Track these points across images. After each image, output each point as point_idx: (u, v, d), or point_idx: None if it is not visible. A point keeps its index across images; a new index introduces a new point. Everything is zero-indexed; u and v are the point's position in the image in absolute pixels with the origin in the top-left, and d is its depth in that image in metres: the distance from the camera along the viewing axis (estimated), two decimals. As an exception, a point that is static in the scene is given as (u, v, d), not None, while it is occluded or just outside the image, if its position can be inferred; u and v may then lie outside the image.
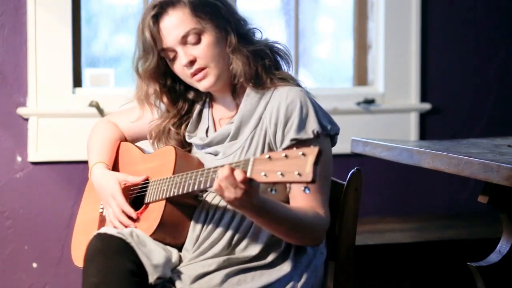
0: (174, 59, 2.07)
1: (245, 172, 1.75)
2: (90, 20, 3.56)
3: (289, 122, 1.99)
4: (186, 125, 2.18)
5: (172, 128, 2.17)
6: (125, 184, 2.14)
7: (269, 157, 1.71)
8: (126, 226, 2.08)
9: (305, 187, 1.67)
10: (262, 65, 2.05)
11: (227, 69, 2.06)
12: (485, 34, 3.82)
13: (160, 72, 2.10)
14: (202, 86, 2.06)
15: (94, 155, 2.25)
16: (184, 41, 2.04)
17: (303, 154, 1.65)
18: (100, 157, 2.24)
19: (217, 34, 2.04)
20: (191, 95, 2.17)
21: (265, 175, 1.70)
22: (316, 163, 1.64)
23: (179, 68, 2.06)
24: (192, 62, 2.04)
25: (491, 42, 3.83)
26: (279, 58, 2.11)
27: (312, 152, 1.65)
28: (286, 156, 1.68)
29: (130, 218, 2.09)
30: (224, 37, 2.05)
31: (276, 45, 2.11)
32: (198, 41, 2.03)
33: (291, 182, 1.67)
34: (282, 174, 1.67)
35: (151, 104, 2.17)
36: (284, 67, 2.11)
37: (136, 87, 2.17)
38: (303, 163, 1.65)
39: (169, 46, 2.05)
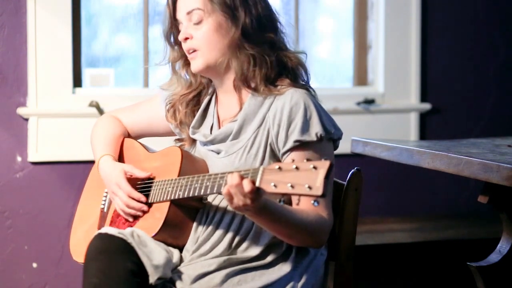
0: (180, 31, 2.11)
1: (254, 182, 1.75)
2: (90, 20, 3.56)
3: (293, 123, 1.98)
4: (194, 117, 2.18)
5: (180, 108, 2.17)
6: (130, 175, 2.14)
7: (279, 168, 1.71)
8: (137, 210, 2.08)
9: (314, 200, 1.67)
10: (262, 71, 2.04)
11: (220, 60, 2.05)
12: (485, 34, 3.82)
13: (175, 38, 2.13)
14: (192, 67, 2.09)
15: (100, 149, 2.24)
16: (188, 17, 2.06)
17: (314, 168, 1.65)
18: (106, 150, 2.24)
19: (222, 23, 2.04)
20: (204, 79, 2.17)
21: (274, 185, 1.70)
22: (327, 177, 1.63)
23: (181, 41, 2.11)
24: (187, 40, 2.07)
25: (491, 42, 3.83)
26: (294, 69, 2.08)
27: (323, 165, 1.65)
28: (296, 168, 1.67)
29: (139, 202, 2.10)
30: (228, 29, 2.04)
31: (292, 54, 2.09)
32: (199, 23, 2.05)
33: (300, 195, 1.67)
34: (292, 186, 1.67)
35: (177, 72, 2.18)
36: (302, 78, 2.09)
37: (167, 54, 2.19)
38: (314, 176, 1.64)
39: (178, 18, 2.09)
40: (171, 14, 2.11)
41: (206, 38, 2.04)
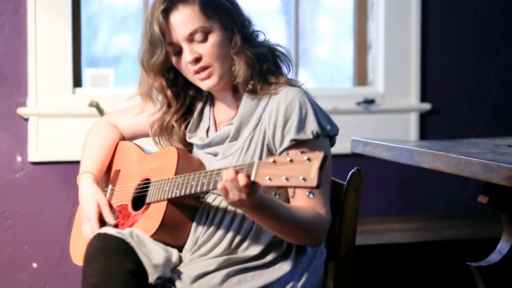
0: (178, 54, 2.06)
1: (249, 176, 1.75)
2: (90, 20, 3.56)
3: (288, 122, 1.99)
4: (188, 124, 2.17)
5: (175, 125, 2.16)
6: (99, 211, 2.14)
7: (274, 161, 1.71)
8: None
9: (309, 192, 1.67)
10: (259, 71, 2.05)
11: (229, 69, 2.05)
12: (485, 34, 3.82)
13: (167, 66, 2.09)
14: (205, 85, 2.06)
15: (86, 163, 2.24)
16: (190, 38, 2.03)
17: (308, 159, 1.65)
18: (91, 166, 2.23)
19: (224, 34, 2.03)
20: (192, 91, 2.16)
21: (269, 179, 1.70)
22: (321, 168, 1.64)
23: (183, 64, 2.06)
24: (197, 60, 2.03)
25: (491, 42, 3.83)
26: (279, 62, 2.10)
27: (317, 157, 1.65)
28: (291, 160, 1.68)
29: None
30: (229, 37, 2.04)
31: (278, 48, 2.11)
32: (204, 40, 2.03)
33: (295, 187, 1.67)
34: (286, 179, 1.67)
35: (153, 99, 2.16)
36: (285, 70, 2.11)
37: (140, 81, 2.15)
38: (308, 168, 1.65)
39: (175, 42, 2.04)
40: (162, 40, 2.04)
41: (215, 52, 2.02)
